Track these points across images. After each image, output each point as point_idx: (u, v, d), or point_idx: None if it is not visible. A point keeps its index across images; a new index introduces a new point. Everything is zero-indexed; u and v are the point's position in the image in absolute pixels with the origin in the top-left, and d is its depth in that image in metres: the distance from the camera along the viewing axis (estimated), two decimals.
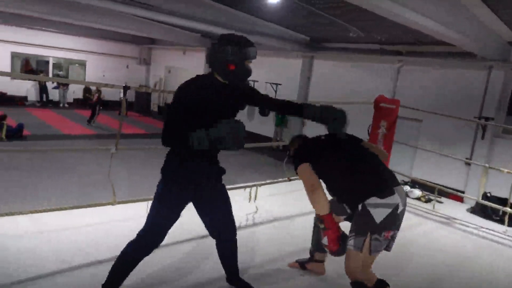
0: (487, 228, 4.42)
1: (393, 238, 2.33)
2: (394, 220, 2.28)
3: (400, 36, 9.68)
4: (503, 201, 4.62)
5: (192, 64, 18.04)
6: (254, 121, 15.09)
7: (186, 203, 2.32)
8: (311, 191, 2.34)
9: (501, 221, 4.46)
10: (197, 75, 2.25)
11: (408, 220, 4.53)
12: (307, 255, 3.05)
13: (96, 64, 19.15)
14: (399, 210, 2.27)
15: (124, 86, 3.11)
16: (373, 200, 2.24)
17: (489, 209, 4.70)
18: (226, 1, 9.40)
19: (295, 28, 11.62)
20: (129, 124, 15.46)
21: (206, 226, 2.48)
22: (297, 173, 2.51)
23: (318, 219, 2.37)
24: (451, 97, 9.63)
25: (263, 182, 4.35)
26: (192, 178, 2.23)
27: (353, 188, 2.33)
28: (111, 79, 17.97)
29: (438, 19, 6.17)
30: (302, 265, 3.02)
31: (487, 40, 8.02)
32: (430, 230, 4.31)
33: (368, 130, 5.31)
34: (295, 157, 2.64)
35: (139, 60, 20.57)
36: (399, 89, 10.86)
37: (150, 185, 7.84)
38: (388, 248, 2.35)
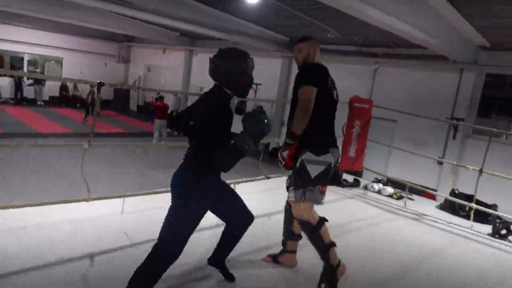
0: (454, 224, 4.61)
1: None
2: (327, 177, 2.69)
3: (376, 38, 9.91)
4: (469, 198, 4.82)
5: (171, 63, 17.96)
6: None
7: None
8: (305, 113, 2.54)
9: (467, 217, 4.65)
10: (212, 91, 2.35)
11: (379, 216, 4.69)
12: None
13: (73, 61, 18.81)
14: (331, 168, 2.70)
15: (98, 83, 3.10)
16: (310, 156, 2.63)
17: (456, 205, 4.90)
18: (205, 0, 9.41)
19: (275, 28, 11.72)
20: (107, 123, 15.26)
21: (223, 219, 2.63)
22: (300, 88, 2.60)
23: (290, 136, 2.65)
24: (425, 98, 9.94)
25: (240, 180, 4.40)
26: (212, 188, 2.35)
27: (307, 134, 2.62)
28: (89, 77, 17.63)
29: (411, 22, 6.38)
30: (274, 258, 3.10)
31: (459, 44, 8.32)
32: (400, 225, 4.45)
33: (342, 130, 5.42)
34: (308, 72, 2.69)
35: (118, 58, 20.31)
36: (376, 90, 11.12)
37: (125, 181, 7.80)
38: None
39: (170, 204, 2.34)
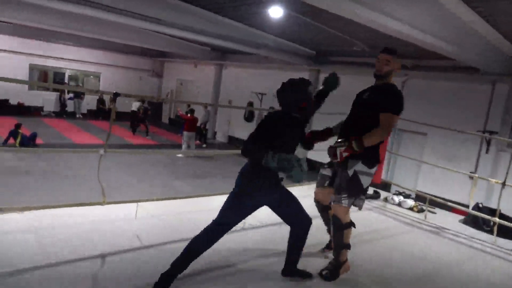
0: (476, 238, 4.42)
1: None
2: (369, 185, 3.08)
3: (404, 50, 9.76)
4: (494, 212, 4.61)
5: (202, 77, 18.42)
6: None
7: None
8: (384, 136, 2.92)
9: (492, 232, 4.44)
10: (278, 111, 2.82)
11: (396, 228, 4.58)
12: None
13: (110, 76, 19.73)
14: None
15: (114, 93, 3.30)
16: (363, 167, 2.94)
17: (480, 219, 4.70)
18: (234, 16, 9.66)
19: (301, 42, 11.82)
20: (140, 135, 15.82)
21: (286, 221, 2.94)
22: (386, 113, 2.90)
23: (359, 145, 2.84)
24: (456, 111, 9.63)
25: None
26: (266, 188, 2.70)
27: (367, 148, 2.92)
28: (125, 91, 18.38)
29: (434, 33, 6.29)
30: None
31: (490, 55, 8.04)
32: (417, 238, 4.31)
33: None
34: (398, 99, 2.99)
35: (152, 72, 21.09)
36: (405, 103, 10.86)
37: (151, 189, 8.03)
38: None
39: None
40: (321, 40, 10.82)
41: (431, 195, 5.64)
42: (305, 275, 3.05)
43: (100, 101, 19.33)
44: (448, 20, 6.25)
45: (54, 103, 18.53)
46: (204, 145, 15.38)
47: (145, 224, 3.72)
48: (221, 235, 2.73)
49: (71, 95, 18.77)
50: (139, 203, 3.81)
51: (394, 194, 5.76)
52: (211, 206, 4.46)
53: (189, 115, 12.93)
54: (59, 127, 15.51)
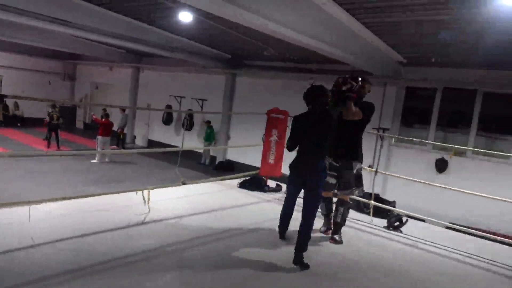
0: (356, 219, 5.09)
1: None
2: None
3: (310, 56, 10.55)
4: (373, 197, 5.32)
5: (119, 80, 17.90)
6: (180, 136, 15.36)
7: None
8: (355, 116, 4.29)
9: (369, 213, 5.15)
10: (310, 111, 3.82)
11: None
12: (191, 248, 3.59)
13: (14, 79, 18.14)
14: None
15: (0, 95, 3.28)
16: (360, 166, 4.26)
17: (361, 203, 5.39)
18: (149, 20, 9.61)
19: (215, 45, 12.10)
20: (52, 142, 14.89)
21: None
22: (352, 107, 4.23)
23: None
24: None
25: (154, 186, 4.63)
26: None
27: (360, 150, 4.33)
28: (32, 95, 17.13)
29: (328, 41, 6.99)
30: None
31: (379, 60, 9.08)
32: None
33: (262, 138, 5.85)
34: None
35: (63, 76, 19.94)
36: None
37: (47, 194, 7.70)
38: None
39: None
40: (234, 44, 11.23)
41: None
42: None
43: (3, 107, 17.74)
44: (337, 29, 6.98)
45: None
46: (122, 149, 14.99)
47: (41, 225, 3.72)
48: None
49: None
50: (38, 205, 3.79)
51: None
52: (116, 205, 4.57)
53: (103, 119, 12.56)
54: None
